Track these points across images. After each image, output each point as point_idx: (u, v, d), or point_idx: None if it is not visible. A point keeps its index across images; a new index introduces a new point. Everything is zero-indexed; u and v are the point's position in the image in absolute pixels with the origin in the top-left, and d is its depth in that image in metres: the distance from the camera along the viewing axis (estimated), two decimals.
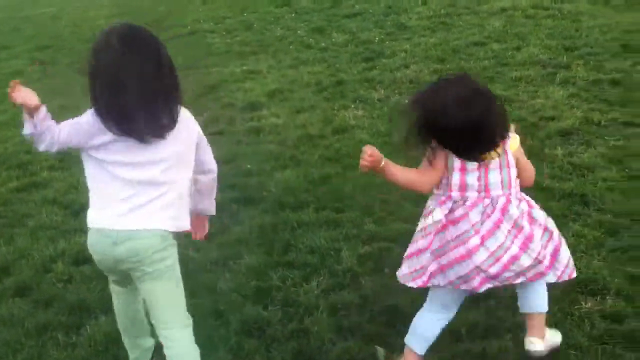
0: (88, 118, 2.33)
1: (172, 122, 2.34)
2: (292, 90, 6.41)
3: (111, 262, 2.43)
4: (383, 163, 2.44)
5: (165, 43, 2.38)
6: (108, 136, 2.30)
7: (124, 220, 2.34)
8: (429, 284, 2.52)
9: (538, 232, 2.48)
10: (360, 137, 5.10)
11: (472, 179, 2.44)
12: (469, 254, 2.41)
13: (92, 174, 2.41)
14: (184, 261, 3.67)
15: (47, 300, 3.45)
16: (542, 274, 2.50)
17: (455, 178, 2.45)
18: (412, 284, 2.56)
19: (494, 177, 2.45)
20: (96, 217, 2.42)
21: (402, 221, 3.81)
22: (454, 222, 2.45)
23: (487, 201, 2.44)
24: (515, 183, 2.50)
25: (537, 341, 2.61)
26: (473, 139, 2.40)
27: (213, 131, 5.56)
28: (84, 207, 4.37)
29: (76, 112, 2.38)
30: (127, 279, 2.54)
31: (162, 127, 2.31)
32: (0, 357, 3.05)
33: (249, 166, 4.80)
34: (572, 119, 4.88)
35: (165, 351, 2.47)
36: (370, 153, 2.40)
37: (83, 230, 4.07)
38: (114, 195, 2.36)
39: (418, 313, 2.65)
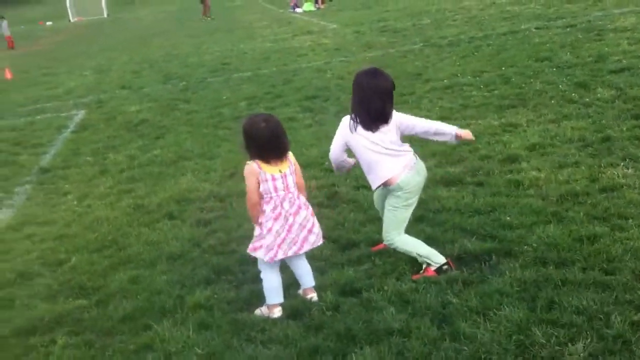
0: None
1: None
2: (553, 144, 6.24)
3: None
4: None
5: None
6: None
7: None
8: None
9: None
10: (631, 197, 4.80)
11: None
12: None
13: None
14: (442, 304, 3.77)
15: (317, 325, 3.75)
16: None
17: None
18: None
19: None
20: None
21: None
22: None
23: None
24: None
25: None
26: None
27: (472, 181, 5.64)
28: (350, 242, 4.72)
29: None
30: None
31: None
32: None
33: (508, 218, 4.74)
34: None
35: None
36: None
37: (349, 264, 4.40)
38: None
39: None
